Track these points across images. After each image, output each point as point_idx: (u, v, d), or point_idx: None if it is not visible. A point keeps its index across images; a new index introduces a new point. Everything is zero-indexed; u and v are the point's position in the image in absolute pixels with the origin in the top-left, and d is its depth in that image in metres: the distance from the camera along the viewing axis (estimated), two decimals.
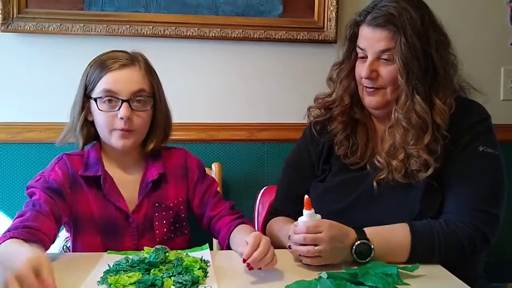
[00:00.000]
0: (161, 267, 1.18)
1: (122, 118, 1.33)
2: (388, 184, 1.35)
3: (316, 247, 1.18)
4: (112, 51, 1.42)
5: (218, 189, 1.53)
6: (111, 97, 1.34)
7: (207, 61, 2.02)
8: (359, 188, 1.41)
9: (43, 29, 1.89)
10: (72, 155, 1.43)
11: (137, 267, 1.16)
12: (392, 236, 1.26)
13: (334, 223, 1.22)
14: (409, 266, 1.17)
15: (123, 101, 1.34)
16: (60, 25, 1.90)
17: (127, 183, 1.43)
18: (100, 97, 1.34)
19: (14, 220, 1.25)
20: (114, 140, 1.37)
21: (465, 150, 1.34)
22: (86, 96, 1.39)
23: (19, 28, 1.88)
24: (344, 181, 1.44)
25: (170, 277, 1.12)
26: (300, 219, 1.23)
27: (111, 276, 1.12)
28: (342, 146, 1.45)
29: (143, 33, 1.94)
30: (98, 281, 1.12)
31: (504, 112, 2.11)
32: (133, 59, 1.39)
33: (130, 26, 1.93)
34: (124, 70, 1.36)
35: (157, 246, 1.25)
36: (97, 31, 1.92)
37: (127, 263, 1.18)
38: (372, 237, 1.23)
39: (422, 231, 1.27)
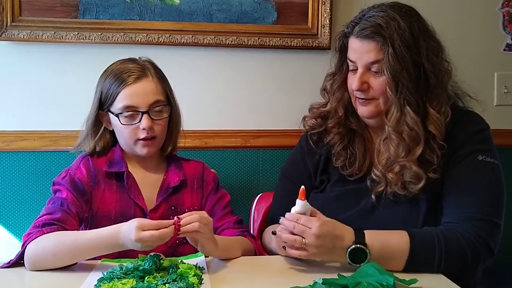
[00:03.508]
0: (155, 274, 1.17)
1: (144, 129, 1.39)
2: (388, 199, 1.34)
3: (303, 240, 1.19)
4: (122, 62, 1.46)
5: (229, 202, 1.55)
6: (131, 111, 1.40)
7: (201, 68, 2.02)
8: (359, 202, 1.40)
9: (37, 37, 1.89)
10: (95, 154, 1.48)
11: (132, 274, 1.16)
12: (390, 238, 1.24)
13: (328, 223, 1.22)
14: (407, 279, 1.14)
15: (143, 113, 1.40)
16: (54, 33, 1.90)
17: (147, 184, 1.48)
18: (121, 113, 1.40)
19: (42, 217, 1.31)
20: (139, 149, 1.44)
21: (464, 160, 1.33)
22: (103, 110, 1.45)
23: (13, 36, 1.88)
24: (344, 192, 1.43)
25: (164, 284, 1.11)
26: (293, 208, 1.24)
27: (105, 283, 1.11)
28: (340, 158, 1.44)
29: (138, 40, 1.94)
30: None
31: (498, 118, 2.12)
32: (144, 70, 1.43)
33: (124, 34, 1.93)
34: (138, 83, 1.41)
35: (151, 254, 1.25)
36: (92, 39, 1.92)
37: (121, 271, 1.17)
38: (371, 240, 1.21)
39: (421, 235, 1.25)
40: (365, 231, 1.23)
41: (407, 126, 1.29)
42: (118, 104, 1.40)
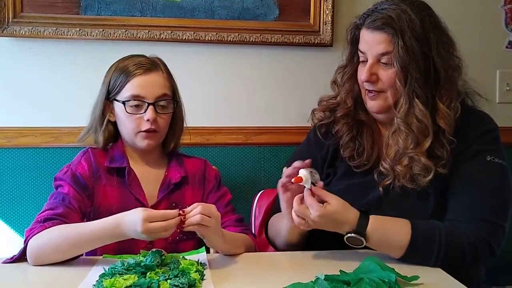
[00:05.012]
0: (157, 270, 1.16)
1: (148, 120, 1.40)
2: (396, 193, 1.34)
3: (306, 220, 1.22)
4: (131, 56, 1.47)
5: (230, 200, 1.54)
6: (138, 101, 1.41)
7: (203, 65, 2.02)
8: (365, 195, 1.40)
9: (39, 33, 1.89)
10: (96, 149, 1.48)
11: (133, 270, 1.15)
12: (392, 225, 1.25)
13: (328, 212, 1.21)
14: (408, 276, 1.14)
15: (149, 104, 1.40)
16: (56, 29, 1.90)
17: (148, 180, 1.48)
18: (128, 101, 1.41)
19: (44, 212, 1.32)
20: (139, 141, 1.44)
21: (473, 160, 1.33)
22: (109, 99, 1.46)
23: (14, 32, 1.88)
24: (350, 185, 1.43)
25: (166, 280, 1.11)
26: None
27: (106, 279, 1.11)
28: (347, 148, 1.44)
29: (139, 37, 1.94)
30: (94, 285, 1.11)
31: (500, 115, 2.06)
32: (154, 64, 1.46)
33: (126, 30, 1.93)
34: (148, 75, 1.43)
35: (153, 249, 1.24)
36: (93, 35, 1.92)
37: (122, 266, 1.16)
38: (373, 226, 1.23)
39: (424, 225, 1.26)
40: (370, 217, 1.24)
41: (416, 119, 1.30)
42: (125, 93, 1.41)
